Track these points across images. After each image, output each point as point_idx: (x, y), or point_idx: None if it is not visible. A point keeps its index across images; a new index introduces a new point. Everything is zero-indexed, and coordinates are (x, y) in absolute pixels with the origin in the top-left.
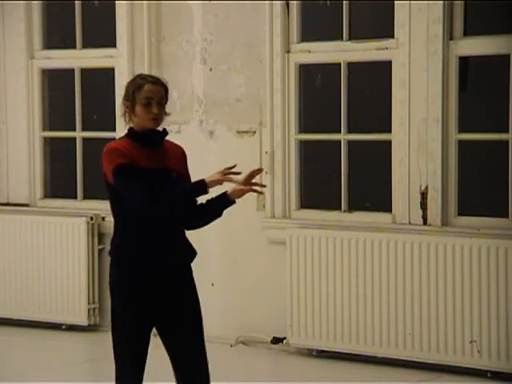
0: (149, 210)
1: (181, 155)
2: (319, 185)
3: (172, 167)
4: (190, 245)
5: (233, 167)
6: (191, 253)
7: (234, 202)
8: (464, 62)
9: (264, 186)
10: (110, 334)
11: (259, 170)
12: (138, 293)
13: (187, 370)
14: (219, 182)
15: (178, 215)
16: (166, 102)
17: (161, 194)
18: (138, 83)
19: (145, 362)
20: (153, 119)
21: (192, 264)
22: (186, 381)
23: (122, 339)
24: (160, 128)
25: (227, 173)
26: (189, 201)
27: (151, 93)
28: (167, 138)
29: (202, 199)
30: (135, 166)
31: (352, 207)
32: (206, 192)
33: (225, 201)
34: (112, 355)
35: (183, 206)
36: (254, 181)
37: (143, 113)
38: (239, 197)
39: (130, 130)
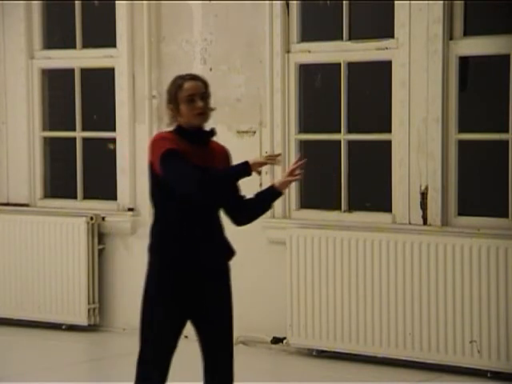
0: (198, 192)
1: (225, 156)
2: (319, 185)
3: (217, 166)
4: (228, 243)
5: (278, 155)
6: (229, 251)
7: (281, 194)
8: (464, 62)
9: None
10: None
11: (301, 161)
12: (173, 282)
13: (210, 368)
14: (262, 165)
15: (223, 197)
16: (209, 97)
17: (205, 175)
18: (177, 83)
19: (171, 353)
20: (198, 114)
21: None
22: (207, 379)
23: (150, 325)
24: (207, 128)
25: (271, 158)
26: (233, 181)
27: (192, 89)
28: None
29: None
30: (183, 153)
31: (352, 207)
32: (249, 174)
33: (273, 192)
34: (113, 355)
35: (228, 186)
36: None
37: (188, 110)
38: (286, 187)
39: (178, 127)
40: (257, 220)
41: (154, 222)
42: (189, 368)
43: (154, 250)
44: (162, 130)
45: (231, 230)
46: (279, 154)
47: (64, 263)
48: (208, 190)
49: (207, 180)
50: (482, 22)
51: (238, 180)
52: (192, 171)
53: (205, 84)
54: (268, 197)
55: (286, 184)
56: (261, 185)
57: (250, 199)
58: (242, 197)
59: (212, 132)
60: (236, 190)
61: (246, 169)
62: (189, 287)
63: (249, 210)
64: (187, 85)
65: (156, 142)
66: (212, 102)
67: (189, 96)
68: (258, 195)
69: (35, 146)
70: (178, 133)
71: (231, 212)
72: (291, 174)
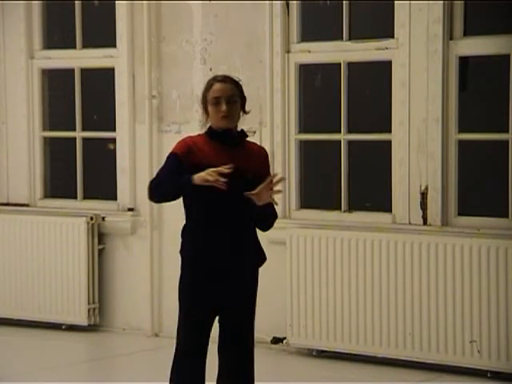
0: (148, 191)
1: (262, 157)
2: (319, 185)
3: (249, 168)
4: (260, 248)
5: (229, 168)
6: (260, 256)
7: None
8: (464, 62)
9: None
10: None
11: (278, 178)
12: (203, 282)
13: (228, 368)
14: (204, 181)
15: (167, 198)
16: (241, 99)
17: (153, 182)
18: (209, 84)
19: (207, 341)
20: (222, 117)
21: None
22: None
23: (188, 314)
24: (239, 129)
25: (217, 173)
26: (174, 188)
27: (219, 92)
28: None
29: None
30: (183, 160)
31: (352, 207)
32: (189, 185)
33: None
34: (113, 355)
35: (173, 193)
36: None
37: (213, 112)
38: (264, 199)
39: (209, 128)
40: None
41: (185, 217)
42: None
43: (187, 241)
44: (162, 130)
45: None
46: (230, 167)
47: (64, 263)
48: (152, 194)
49: (153, 186)
50: (482, 21)
51: (182, 189)
52: (156, 177)
53: (235, 87)
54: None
55: (265, 197)
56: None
57: (256, 215)
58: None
59: (242, 133)
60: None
61: (188, 181)
62: (214, 287)
63: (259, 219)
64: (215, 86)
65: (177, 143)
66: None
67: (215, 98)
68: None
69: (35, 146)
70: (208, 134)
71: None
72: (268, 187)
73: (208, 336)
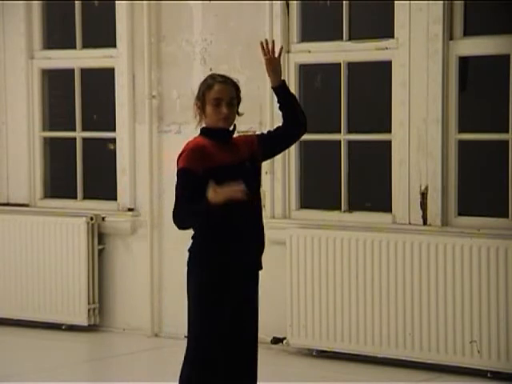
0: (175, 224)
1: (246, 141)
2: (319, 185)
3: (244, 158)
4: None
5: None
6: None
7: (283, 81)
8: (464, 62)
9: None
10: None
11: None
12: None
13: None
14: (228, 200)
15: (194, 226)
16: (238, 102)
17: (179, 211)
18: (208, 83)
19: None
20: (223, 119)
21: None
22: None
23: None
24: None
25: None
26: (196, 221)
27: (220, 93)
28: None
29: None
30: (197, 172)
31: (352, 207)
32: (207, 212)
33: (279, 88)
34: (113, 355)
35: (194, 224)
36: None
37: (213, 113)
38: (276, 71)
39: (204, 128)
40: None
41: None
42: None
43: (197, 252)
44: (162, 130)
45: None
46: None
47: (64, 263)
48: (180, 227)
49: (177, 221)
50: (482, 22)
51: (204, 220)
52: (179, 203)
53: (235, 89)
54: (283, 95)
55: (272, 69)
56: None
57: (283, 112)
58: (276, 129)
59: (234, 130)
60: (269, 137)
61: (206, 210)
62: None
63: (289, 118)
64: (217, 87)
65: (184, 153)
66: (241, 107)
67: (216, 99)
68: (280, 105)
69: (35, 146)
70: (205, 134)
71: (285, 138)
72: (268, 61)
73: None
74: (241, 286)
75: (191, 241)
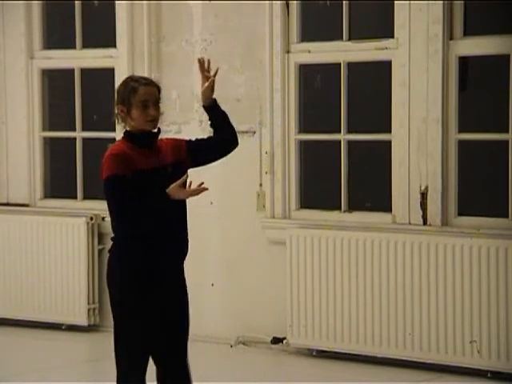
0: (133, 229)
1: (173, 145)
2: (319, 185)
3: (167, 163)
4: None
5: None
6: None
7: (213, 100)
8: (464, 62)
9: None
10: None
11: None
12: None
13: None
14: (181, 195)
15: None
16: (160, 102)
17: (131, 210)
18: (131, 86)
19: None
20: (151, 121)
21: (192, 264)
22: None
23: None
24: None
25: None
26: (156, 207)
27: (147, 95)
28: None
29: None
30: (126, 177)
31: (352, 207)
32: (164, 201)
33: (210, 107)
34: (113, 355)
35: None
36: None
37: (140, 116)
38: (210, 93)
39: (127, 133)
40: (256, 220)
41: (119, 241)
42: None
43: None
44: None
45: (231, 230)
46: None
47: (64, 263)
48: (134, 224)
49: (133, 217)
50: (482, 21)
51: (160, 204)
52: (125, 207)
53: (158, 89)
54: (215, 113)
55: (208, 90)
56: (261, 185)
57: (214, 130)
58: (208, 138)
59: (158, 132)
60: (200, 144)
61: (163, 197)
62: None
63: (221, 135)
64: (142, 90)
65: (106, 160)
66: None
67: (143, 102)
68: (212, 123)
69: (35, 146)
70: (129, 139)
71: (216, 150)
72: (207, 79)
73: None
74: (162, 291)
75: (111, 242)
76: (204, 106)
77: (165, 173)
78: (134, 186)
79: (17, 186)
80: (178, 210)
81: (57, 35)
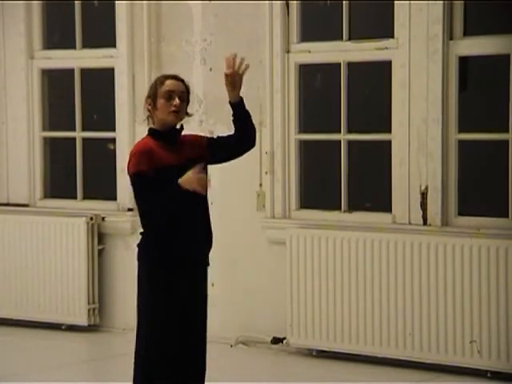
0: (162, 217)
1: (194, 141)
2: (319, 185)
3: (189, 158)
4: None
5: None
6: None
7: (240, 98)
8: (464, 61)
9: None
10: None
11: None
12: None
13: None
14: (191, 185)
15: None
16: (188, 102)
17: (154, 202)
18: (160, 79)
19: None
20: (173, 112)
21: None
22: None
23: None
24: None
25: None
26: (175, 198)
27: (172, 86)
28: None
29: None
30: (150, 174)
31: (352, 207)
32: (177, 191)
33: (236, 104)
34: (113, 355)
35: (173, 202)
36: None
37: (164, 106)
38: (236, 87)
39: (151, 130)
40: (256, 220)
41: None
42: None
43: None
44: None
45: (231, 230)
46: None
47: (64, 263)
48: (158, 216)
49: (159, 204)
50: (482, 21)
51: (177, 196)
52: (150, 197)
53: (186, 86)
54: (240, 111)
55: (228, 87)
56: (261, 185)
57: (236, 126)
58: (228, 137)
59: (181, 128)
60: (218, 143)
61: (177, 187)
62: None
63: (241, 133)
64: (169, 81)
65: (133, 156)
66: (190, 108)
67: (168, 92)
68: (235, 120)
69: (35, 146)
70: (153, 136)
71: (233, 148)
72: (228, 76)
73: None
74: (190, 284)
75: (140, 236)
76: (229, 102)
77: (187, 168)
78: (159, 180)
79: (17, 186)
80: (201, 204)
81: (57, 35)
